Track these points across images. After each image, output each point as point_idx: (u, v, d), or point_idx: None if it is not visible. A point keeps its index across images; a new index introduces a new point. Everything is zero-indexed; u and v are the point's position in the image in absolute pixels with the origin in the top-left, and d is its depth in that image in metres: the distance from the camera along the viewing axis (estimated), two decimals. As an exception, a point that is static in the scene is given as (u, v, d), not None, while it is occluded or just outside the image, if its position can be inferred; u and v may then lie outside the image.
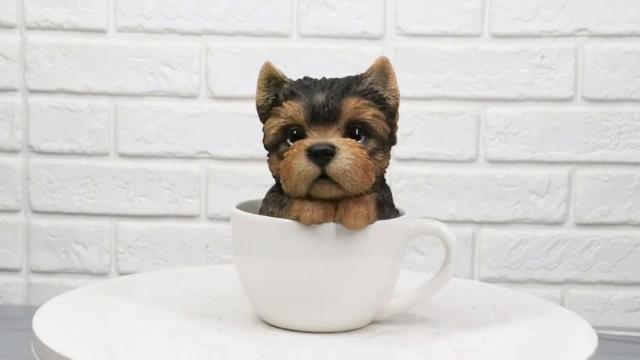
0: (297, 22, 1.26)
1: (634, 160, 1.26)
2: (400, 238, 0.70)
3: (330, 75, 0.71)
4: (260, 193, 1.26)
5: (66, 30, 1.27)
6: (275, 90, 0.70)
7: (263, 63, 0.71)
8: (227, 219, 1.27)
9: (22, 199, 1.28)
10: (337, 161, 0.65)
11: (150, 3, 1.26)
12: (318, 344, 0.67)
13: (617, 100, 1.25)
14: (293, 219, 0.66)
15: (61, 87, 1.27)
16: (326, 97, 0.67)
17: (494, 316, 0.76)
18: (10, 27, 1.27)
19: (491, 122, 1.26)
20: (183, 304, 0.77)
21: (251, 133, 1.26)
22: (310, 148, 0.65)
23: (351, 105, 0.67)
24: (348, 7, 1.25)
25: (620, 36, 1.25)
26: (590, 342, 0.69)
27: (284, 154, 0.67)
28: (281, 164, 0.67)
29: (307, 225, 0.66)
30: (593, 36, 1.25)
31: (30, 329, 0.68)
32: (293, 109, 0.67)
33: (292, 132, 0.68)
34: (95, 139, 1.27)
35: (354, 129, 0.68)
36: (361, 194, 0.67)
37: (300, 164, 0.65)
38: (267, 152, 0.70)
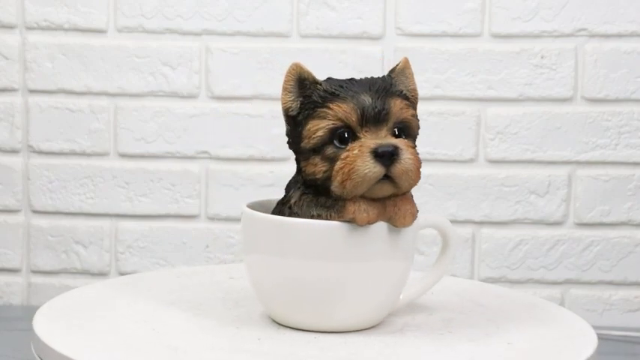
0: (297, 22, 1.26)
1: (634, 160, 1.26)
2: (416, 233, 0.71)
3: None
4: (260, 194, 1.26)
5: (66, 30, 1.27)
6: (303, 91, 0.69)
7: (291, 64, 0.69)
8: (227, 219, 1.27)
9: (22, 199, 1.28)
10: (402, 162, 0.65)
11: (150, 3, 1.26)
12: (373, 344, 0.67)
13: (617, 100, 1.25)
14: (346, 221, 0.66)
15: (61, 87, 1.27)
16: (372, 99, 0.67)
17: (494, 316, 0.76)
18: (10, 27, 1.27)
19: (491, 122, 1.26)
20: (186, 305, 0.77)
21: (251, 133, 1.26)
22: (376, 149, 0.65)
23: (398, 106, 0.68)
24: (348, 7, 1.25)
25: (620, 36, 1.25)
26: (590, 342, 0.69)
27: (338, 156, 0.67)
28: (339, 166, 0.66)
29: (362, 226, 0.66)
30: (593, 36, 1.25)
31: (30, 329, 0.68)
32: (343, 111, 0.67)
33: (341, 134, 0.67)
34: (95, 139, 1.27)
35: (395, 129, 0.68)
36: (405, 192, 0.68)
37: (367, 166, 0.65)
38: (304, 154, 0.69)
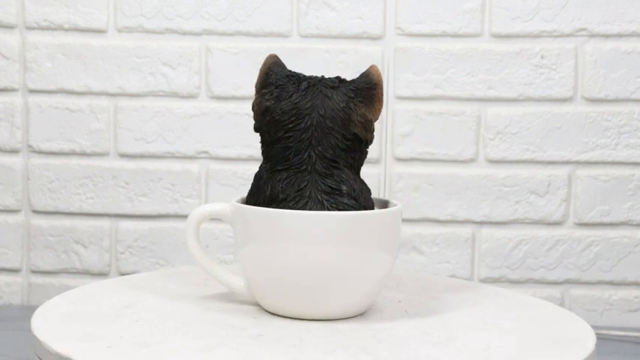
0: (297, 22, 1.26)
1: (634, 160, 1.26)
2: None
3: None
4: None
5: (66, 30, 1.27)
6: None
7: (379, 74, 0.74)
8: (227, 219, 1.27)
9: (22, 199, 1.28)
10: None
11: (150, 3, 1.26)
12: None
13: (617, 100, 1.25)
14: None
15: (61, 87, 1.27)
16: None
17: (492, 316, 0.76)
18: (10, 27, 1.27)
19: (492, 122, 1.26)
20: (186, 304, 0.77)
21: (251, 133, 1.26)
22: None
23: None
24: (348, 7, 1.25)
25: (620, 36, 1.25)
26: (589, 342, 0.69)
27: None
28: None
29: None
30: (593, 36, 1.25)
31: (30, 329, 0.68)
32: None
33: None
34: (95, 139, 1.27)
35: None
36: None
37: None
38: None
